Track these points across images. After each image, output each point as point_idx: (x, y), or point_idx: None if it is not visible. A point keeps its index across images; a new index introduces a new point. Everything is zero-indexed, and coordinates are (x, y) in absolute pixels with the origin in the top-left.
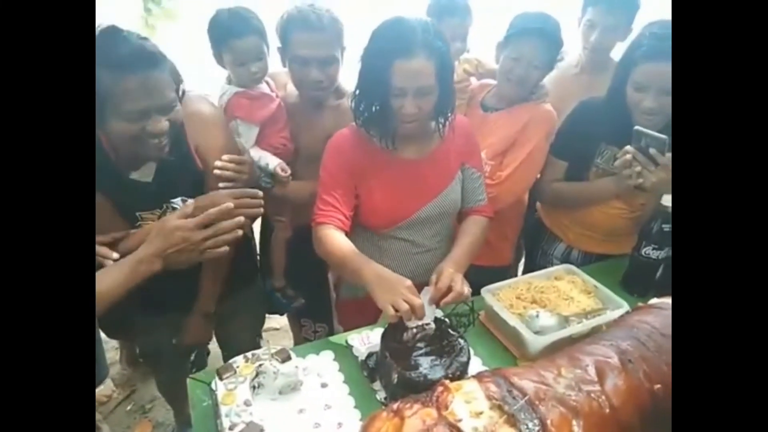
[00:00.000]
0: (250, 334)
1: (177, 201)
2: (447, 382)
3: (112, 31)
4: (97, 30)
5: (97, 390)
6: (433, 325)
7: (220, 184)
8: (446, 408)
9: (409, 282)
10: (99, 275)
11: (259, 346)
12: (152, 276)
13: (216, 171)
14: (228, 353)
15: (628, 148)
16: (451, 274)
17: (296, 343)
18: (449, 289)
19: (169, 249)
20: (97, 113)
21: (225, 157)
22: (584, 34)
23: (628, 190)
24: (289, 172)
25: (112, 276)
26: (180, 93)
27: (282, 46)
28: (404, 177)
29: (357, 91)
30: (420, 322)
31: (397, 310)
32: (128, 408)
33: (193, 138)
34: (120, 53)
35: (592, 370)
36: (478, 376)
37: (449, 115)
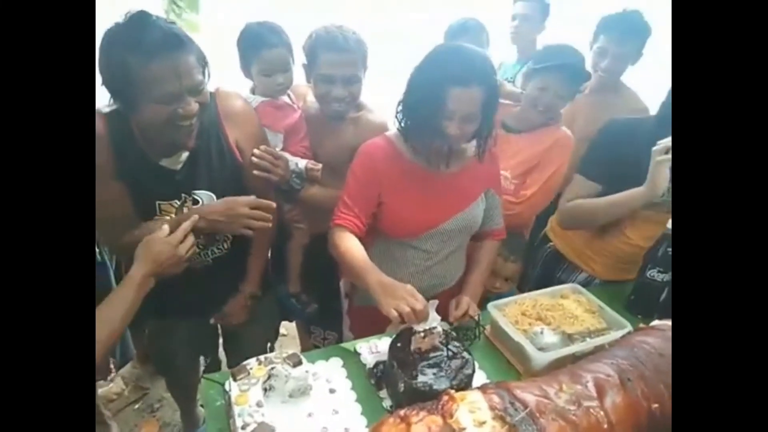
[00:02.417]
0: (260, 346)
1: (202, 194)
2: (452, 391)
3: (142, 16)
4: (126, 16)
5: (106, 388)
6: (439, 328)
7: (255, 172)
8: (451, 416)
9: (410, 286)
10: (105, 309)
11: None
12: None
13: (254, 159)
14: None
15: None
16: (468, 302)
17: (303, 350)
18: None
19: (159, 268)
20: (130, 98)
21: (263, 147)
22: (595, 59)
23: (657, 197)
24: (320, 166)
25: (119, 305)
26: (207, 76)
27: (308, 63)
28: (432, 190)
29: (402, 105)
30: (427, 326)
31: (400, 314)
32: (137, 407)
33: (232, 131)
34: (151, 38)
35: (592, 387)
36: (482, 388)
37: (489, 139)
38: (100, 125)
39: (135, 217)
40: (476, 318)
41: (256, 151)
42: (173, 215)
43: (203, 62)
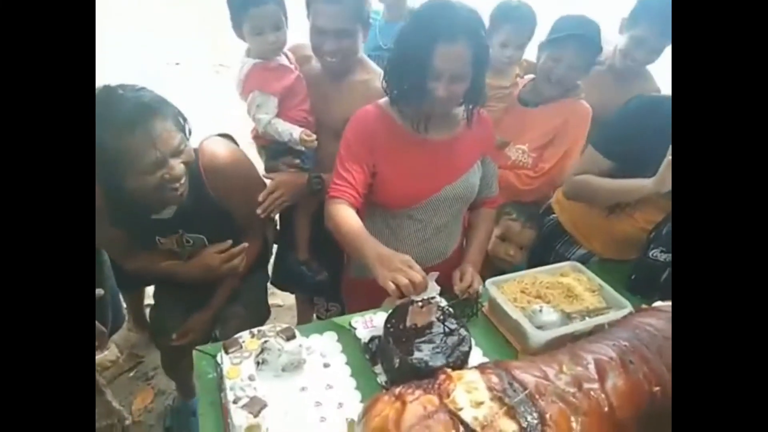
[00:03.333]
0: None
1: (194, 237)
2: (449, 370)
3: (107, 92)
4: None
5: (101, 355)
6: (438, 298)
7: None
8: (448, 396)
9: (408, 257)
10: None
11: None
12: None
13: (263, 214)
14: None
15: None
16: (473, 274)
17: (301, 322)
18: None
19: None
20: (114, 173)
21: (260, 197)
22: (629, 47)
23: (662, 193)
24: (314, 136)
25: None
26: (187, 132)
27: (307, 14)
28: (427, 157)
29: (389, 67)
30: (425, 296)
31: (398, 286)
32: (131, 375)
33: (215, 188)
34: (120, 114)
35: (592, 369)
36: (481, 367)
37: (479, 103)
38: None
39: (136, 248)
40: (480, 291)
41: (258, 210)
42: (174, 246)
43: (180, 121)
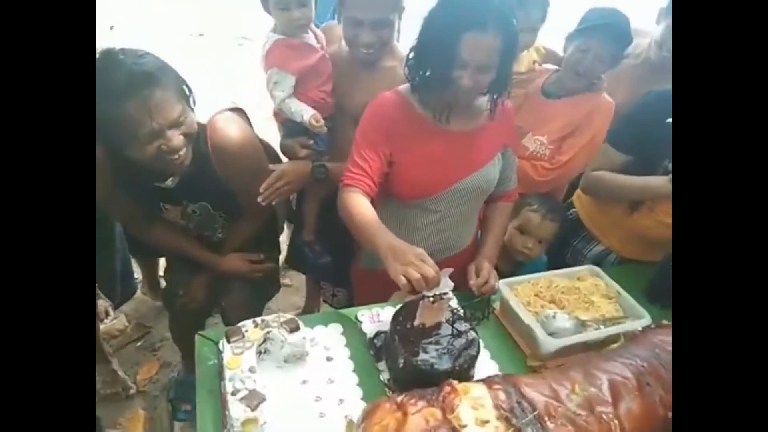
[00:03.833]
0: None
1: (199, 206)
2: (455, 383)
3: (107, 56)
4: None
5: (110, 323)
6: (451, 295)
7: (263, 203)
8: (452, 411)
9: (421, 250)
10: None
11: None
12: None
13: (263, 202)
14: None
15: None
16: (489, 270)
17: (307, 303)
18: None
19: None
20: (112, 139)
21: (262, 187)
22: (665, 35)
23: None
24: (322, 122)
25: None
26: (191, 103)
27: (338, 2)
28: (446, 148)
29: (412, 54)
30: (437, 291)
31: (409, 281)
32: (138, 345)
33: (222, 167)
34: (117, 80)
35: (606, 390)
36: (488, 381)
37: (504, 93)
38: (99, 152)
39: (142, 215)
40: (497, 288)
41: (259, 198)
42: (178, 217)
43: (182, 89)
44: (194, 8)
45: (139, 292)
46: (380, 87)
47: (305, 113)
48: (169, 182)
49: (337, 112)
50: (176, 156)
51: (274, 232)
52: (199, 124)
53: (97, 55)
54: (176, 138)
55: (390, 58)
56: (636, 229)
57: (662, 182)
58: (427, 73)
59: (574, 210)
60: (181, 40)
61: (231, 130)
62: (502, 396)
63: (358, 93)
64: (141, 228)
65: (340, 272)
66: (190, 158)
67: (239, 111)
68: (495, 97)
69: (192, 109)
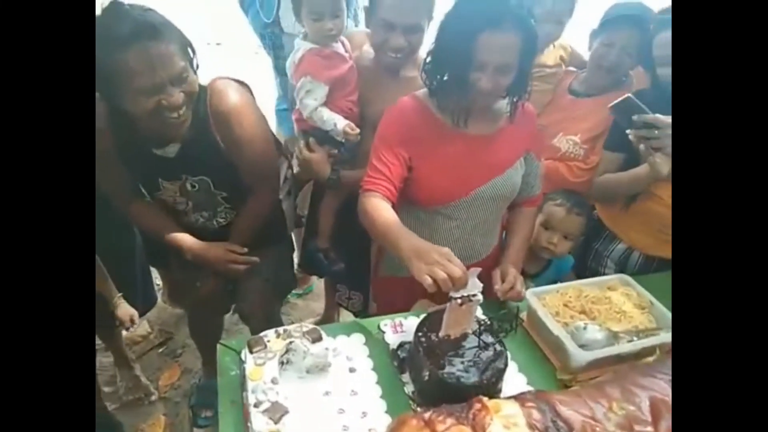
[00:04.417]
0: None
1: (198, 180)
2: (486, 400)
3: (114, 6)
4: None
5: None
6: (480, 297)
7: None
8: (483, 430)
9: (447, 249)
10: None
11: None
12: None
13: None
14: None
15: (629, 131)
16: (515, 275)
17: (326, 311)
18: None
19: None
20: (113, 91)
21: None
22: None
23: (655, 179)
24: (357, 130)
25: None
26: (193, 62)
27: (369, 6)
28: (466, 153)
29: (429, 58)
30: (465, 293)
31: (435, 281)
32: (160, 351)
33: (221, 131)
34: (121, 29)
35: (646, 408)
36: (520, 399)
37: (524, 95)
38: (101, 110)
39: (140, 191)
40: (523, 295)
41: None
42: (176, 193)
43: (186, 49)
44: (213, 18)
45: (159, 300)
46: (401, 94)
47: (338, 122)
48: (170, 149)
49: (359, 120)
50: (176, 114)
51: (281, 223)
52: (200, 86)
53: (103, 5)
54: (177, 94)
55: (412, 68)
56: (645, 214)
57: (641, 172)
58: (445, 78)
59: (594, 212)
60: (199, 49)
61: (231, 93)
62: (536, 414)
63: (380, 102)
64: (123, 201)
65: (356, 276)
66: (189, 120)
67: (243, 84)
68: (515, 99)
69: (194, 71)
